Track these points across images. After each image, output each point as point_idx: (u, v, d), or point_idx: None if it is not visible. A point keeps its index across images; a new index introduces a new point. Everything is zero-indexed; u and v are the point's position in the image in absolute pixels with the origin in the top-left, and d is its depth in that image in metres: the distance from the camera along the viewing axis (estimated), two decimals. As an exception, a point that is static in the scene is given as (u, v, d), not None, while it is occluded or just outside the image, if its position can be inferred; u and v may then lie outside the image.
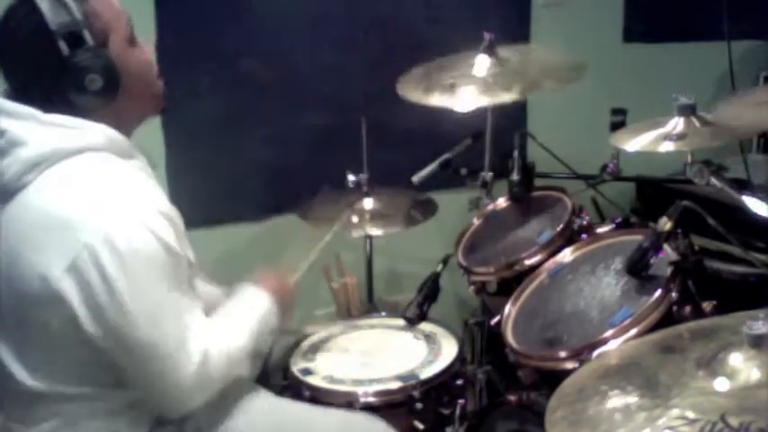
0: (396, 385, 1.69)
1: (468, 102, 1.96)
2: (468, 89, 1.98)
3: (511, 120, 2.40)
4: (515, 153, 1.93)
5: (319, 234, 1.86)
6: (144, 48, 1.41)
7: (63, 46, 1.27)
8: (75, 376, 1.32)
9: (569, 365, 1.45)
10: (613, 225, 1.81)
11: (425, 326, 1.90)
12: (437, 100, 1.98)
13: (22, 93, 1.32)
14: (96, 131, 1.31)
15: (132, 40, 1.37)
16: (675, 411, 0.97)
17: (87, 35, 1.29)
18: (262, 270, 1.62)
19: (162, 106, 1.48)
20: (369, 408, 1.65)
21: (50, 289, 1.23)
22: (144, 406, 1.37)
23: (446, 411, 1.75)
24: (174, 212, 1.34)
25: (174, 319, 1.27)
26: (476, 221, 2.08)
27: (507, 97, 1.95)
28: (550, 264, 1.76)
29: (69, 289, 1.23)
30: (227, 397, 1.51)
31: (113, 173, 1.30)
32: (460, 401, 1.77)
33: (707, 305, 1.46)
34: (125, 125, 1.38)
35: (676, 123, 1.73)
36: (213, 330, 1.36)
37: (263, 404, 1.55)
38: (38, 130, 1.28)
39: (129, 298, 1.23)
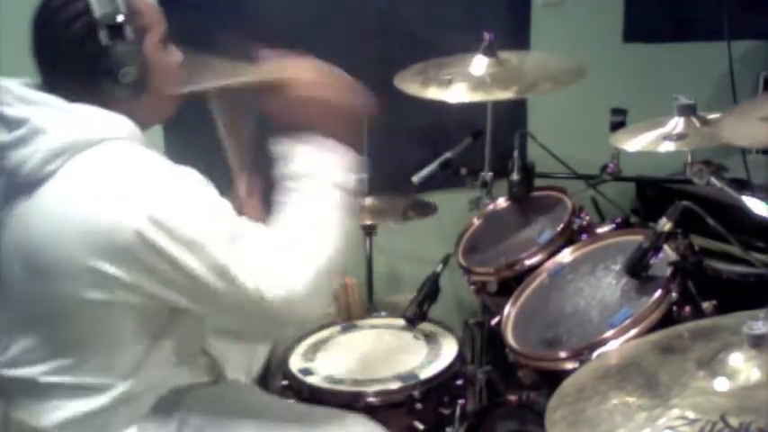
0: (396, 385, 1.69)
1: (462, 97, 1.97)
2: (463, 85, 1.99)
3: (511, 120, 2.40)
4: (515, 153, 1.94)
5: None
6: (174, 53, 1.43)
7: (103, 35, 1.29)
8: (98, 368, 1.33)
9: (569, 366, 1.45)
10: (613, 225, 1.81)
11: (425, 326, 1.90)
12: (433, 93, 1.99)
13: (51, 77, 1.33)
14: (119, 122, 1.31)
15: (165, 43, 1.40)
16: (675, 411, 0.97)
17: (128, 29, 1.31)
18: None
19: (175, 111, 1.49)
20: (369, 408, 1.65)
21: (108, 282, 1.24)
22: (142, 399, 1.38)
23: (446, 411, 1.74)
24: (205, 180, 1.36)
25: (248, 265, 1.27)
26: (476, 221, 2.08)
27: (502, 95, 1.96)
28: (550, 264, 1.76)
29: (134, 277, 1.25)
30: (228, 397, 1.52)
31: (141, 157, 1.31)
32: (460, 401, 1.77)
33: (707, 305, 1.47)
34: (143, 123, 1.38)
35: (676, 123, 1.74)
36: (291, 253, 1.31)
37: (263, 405, 1.55)
38: (60, 119, 1.28)
39: (193, 264, 1.24)
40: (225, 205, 1.32)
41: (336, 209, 1.37)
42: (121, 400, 1.35)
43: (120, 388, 1.34)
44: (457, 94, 1.98)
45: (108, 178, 1.26)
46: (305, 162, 1.39)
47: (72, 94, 1.30)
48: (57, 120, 1.27)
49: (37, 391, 1.34)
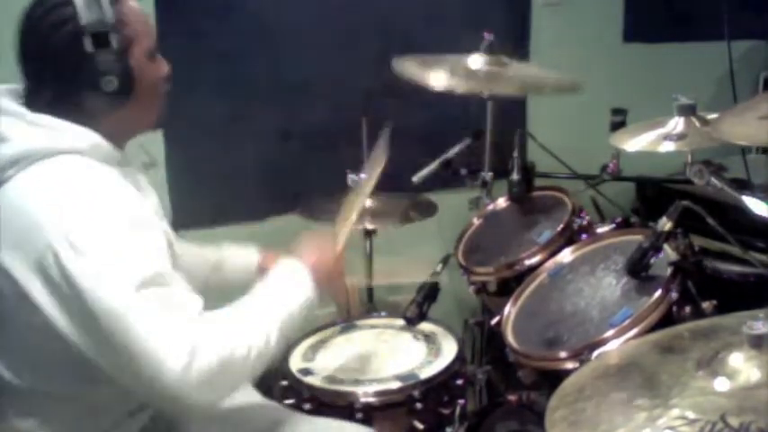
0: (396, 385, 1.69)
1: (453, 85, 1.94)
2: (458, 77, 1.96)
3: (511, 120, 2.40)
4: (515, 153, 1.94)
5: (351, 199, 1.74)
6: (162, 64, 1.42)
7: (88, 43, 1.29)
8: (56, 374, 1.32)
9: (569, 365, 1.45)
10: (613, 225, 1.81)
11: (425, 326, 1.90)
12: (429, 77, 1.93)
13: (34, 83, 1.33)
14: (80, 135, 1.31)
15: (153, 54, 1.39)
16: (675, 411, 0.97)
17: (113, 38, 1.31)
18: (304, 240, 1.49)
19: (159, 123, 1.48)
20: (369, 408, 1.65)
21: (20, 289, 1.23)
22: (127, 406, 1.37)
23: (446, 411, 1.75)
24: (152, 217, 1.33)
25: (149, 319, 1.20)
26: (476, 221, 2.09)
27: (498, 89, 1.96)
28: (550, 264, 1.76)
29: (36, 290, 1.22)
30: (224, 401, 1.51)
31: (88, 176, 1.28)
32: (460, 401, 1.77)
33: (707, 305, 1.46)
34: (123, 134, 1.39)
35: (676, 123, 1.73)
36: (208, 325, 1.25)
37: (259, 408, 1.54)
38: (22, 128, 1.28)
39: (95, 297, 1.19)
40: (156, 249, 1.27)
41: (273, 321, 1.32)
42: (108, 406, 1.35)
43: (103, 396, 1.33)
44: (450, 83, 1.94)
45: (44, 193, 1.25)
46: (276, 273, 1.41)
47: (52, 101, 1.30)
48: (18, 129, 1.28)
49: (14, 396, 1.33)
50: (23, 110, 1.30)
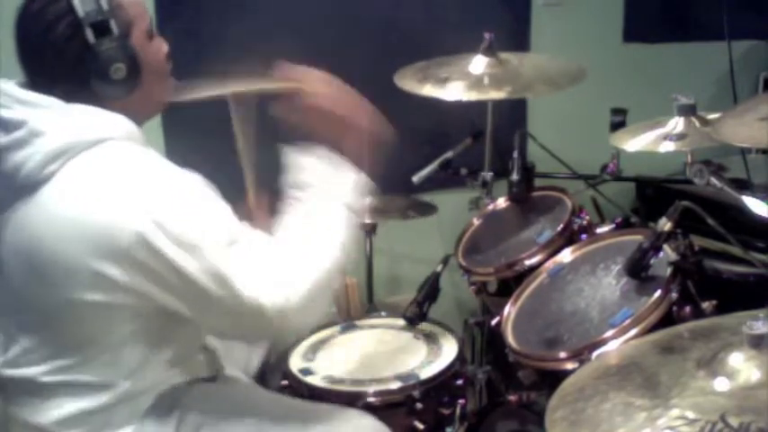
0: (396, 385, 1.69)
1: (459, 95, 1.97)
2: (461, 84, 1.99)
3: (511, 120, 2.40)
4: (515, 153, 1.94)
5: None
6: (161, 43, 1.41)
7: (89, 33, 1.28)
8: (98, 369, 1.33)
9: (569, 366, 1.46)
10: (613, 225, 1.81)
11: (425, 326, 1.90)
12: (428, 90, 1.99)
13: (41, 81, 1.31)
14: (118, 122, 1.31)
15: (151, 34, 1.38)
16: (675, 411, 0.97)
17: (113, 24, 1.29)
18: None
19: (167, 104, 1.48)
20: (369, 408, 1.65)
21: (107, 284, 1.24)
22: (141, 397, 1.38)
23: (446, 411, 1.74)
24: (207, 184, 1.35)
25: (243, 270, 1.26)
26: (476, 221, 2.09)
27: (497, 95, 1.96)
28: (550, 264, 1.77)
29: (132, 279, 1.24)
30: (226, 394, 1.51)
31: (139, 158, 1.30)
32: (460, 401, 1.77)
33: (707, 305, 1.46)
34: (136, 119, 1.37)
35: (676, 123, 1.73)
36: (293, 260, 1.31)
37: (263, 402, 1.54)
38: (58, 120, 1.27)
39: (191, 268, 1.23)
40: (225, 210, 1.32)
41: (340, 225, 1.36)
42: (122, 399, 1.35)
43: (121, 387, 1.35)
44: (454, 92, 1.98)
45: (107, 179, 1.26)
46: (314, 174, 1.39)
47: (67, 93, 1.29)
48: (55, 121, 1.27)
49: (37, 390, 1.34)
50: (56, 101, 1.28)
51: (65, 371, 1.32)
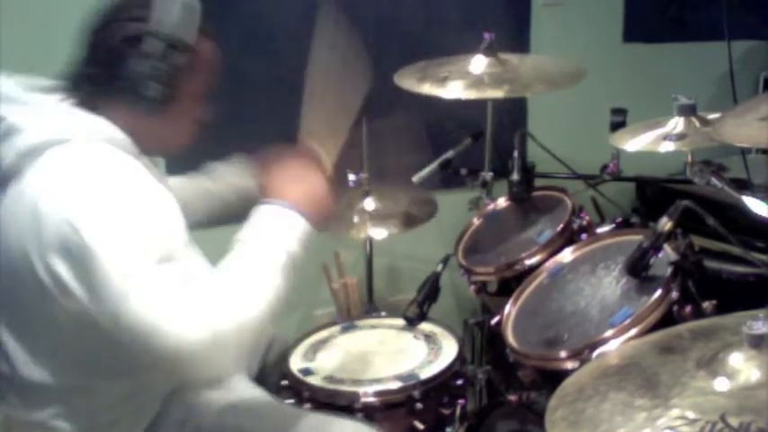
0: (396, 385, 1.70)
1: (458, 94, 1.97)
2: (460, 83, 1.98)
3: (511, 120, 2.41)
4: (515, 153, 1.93)
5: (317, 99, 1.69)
6: (206, 110, 1.44)
7: (152, 44, 1.30)
8: (78, 367, 1.32)
9: (569, 365, 1.45)
10: (613, 225, 1.81)
11: (425, 326, 1.90)
12: (427, 89, 1.98)
13: (75, 72, 1.33)
14: (99, 125, 1.31)
15: (203, 97, 1.41)
16: (675, 411, 0.97)
17: (176, 54, 1.31)
18: (282, 167, 1.49)
19: (172, 155, 1.52)
20: (369, 408, 1.65)
21: (49, 276, 1.23)
22: (144, 397, 1.37)
23: (446, 411, 1.75)
24: (171, 199, 1.32)
25: (162, 289, 1.20)
26: (476, 221, 2.08)
27: (496, 94, 1.96)
28: (550, 264, 1.76)
29: (64, 273, 1.22)
30: (227, 396, 1.52)
31: (99, 161, 1.28)
32: (460, 401, 1.77)
33: (707, 305, 1.46)
34: (143, 146, 1.37)
35: (676, 123, 1.73)
36: (221, 294, 1.25)
37: (264, 407, 1.55)
38: (37, 117, 1.28)
39: (116, 275, 1.18)
40: (174, 229, 1.27)
41: (277, 270, 1.31)
42: (119, 401, 1.35)
43: (116, 390, 1.34)
44: (453, 91, 1.97)
45: (53, 177, 1.25)
46: (263, 220, 1.37)
47: (88, 96, 1.31)
48: (33, 119, 1.28)
49: (28, 389, 1.34)
50: (41, 97, 1.30)
51: (52, 370, 1.32)
